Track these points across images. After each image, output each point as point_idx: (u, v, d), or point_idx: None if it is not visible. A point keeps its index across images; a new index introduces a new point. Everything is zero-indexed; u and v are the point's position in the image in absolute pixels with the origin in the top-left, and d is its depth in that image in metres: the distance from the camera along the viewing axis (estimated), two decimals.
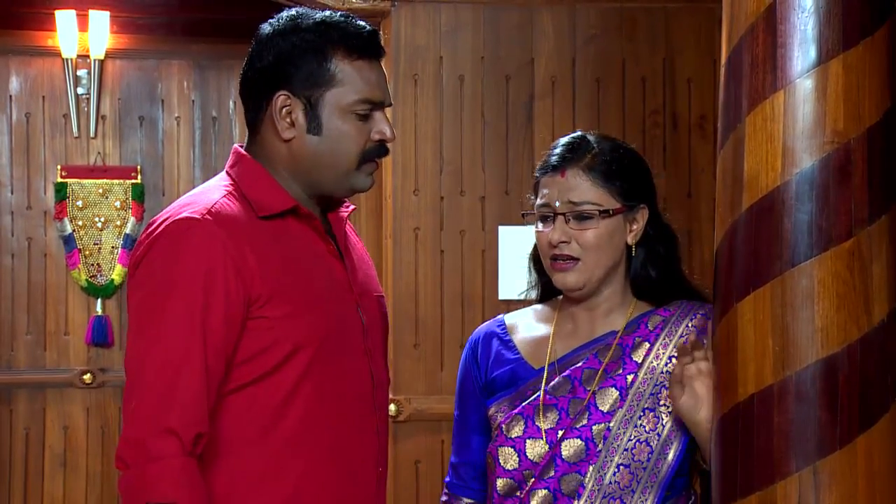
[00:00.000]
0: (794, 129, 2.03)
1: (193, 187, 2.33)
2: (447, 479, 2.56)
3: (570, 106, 4.77)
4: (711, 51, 4.77)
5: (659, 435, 2.32)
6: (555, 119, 4.73)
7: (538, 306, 2.52)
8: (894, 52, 2.07)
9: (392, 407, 4.59)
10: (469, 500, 2.51)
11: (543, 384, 2.38)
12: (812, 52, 2.03)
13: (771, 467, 2.03)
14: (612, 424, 2.33)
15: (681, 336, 2.37)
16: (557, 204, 2.36)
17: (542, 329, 2.47)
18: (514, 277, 4.64)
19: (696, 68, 4.82)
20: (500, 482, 2.38)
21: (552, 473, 2.34)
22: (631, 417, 2.33)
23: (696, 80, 4.83)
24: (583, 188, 2.36)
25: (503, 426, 2.39)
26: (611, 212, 2.36)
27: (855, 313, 2.01)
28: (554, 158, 2.40)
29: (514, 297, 4.59)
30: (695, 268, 4.79)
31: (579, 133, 2.46)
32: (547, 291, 2.51)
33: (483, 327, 2.54)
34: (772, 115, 2.05)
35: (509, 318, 2.52)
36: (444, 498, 2.55)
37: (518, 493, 2.37)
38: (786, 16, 2.04)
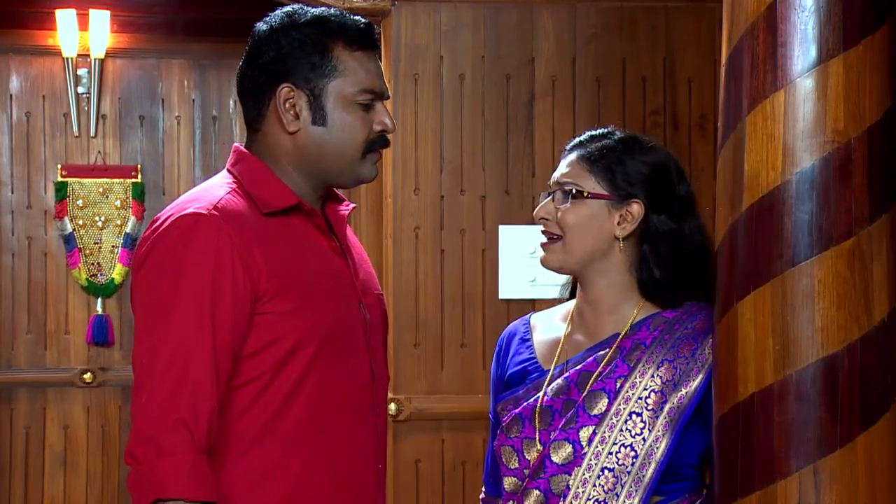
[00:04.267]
0: (794, 128, 2.03)
1: (194, 186, 2.33)
2: (484, 477, 2.57)
3: (571, 105, 4.77)
4: (711, 51, 4.76)
5: (644, 440, 2.30)
6: (555, 119, 4.73)
7: (564, 305, 2.52)
8: (894, 52, 2.07)
9: (392, 406, 4.58)
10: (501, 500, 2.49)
11: (545, 385, 2.39)
12: (812, 52, 2.03)
13: (771, 467, 2.03)
14: (598, 428, 2.32)
15: (677, 339, 2.34)
16: (551, 182, 2.40)
17: (559, 329, 2.47)
18: (514, 277, 4.64)
19: (696, 68, 4.82)
20: (506, 480, 2.40)
21: (543, 474, 2.34)
22: (617, 422, 2.31)
23: (697, 80, 4.82)
24: (570, 170, 2.38)
25: (504, 425, 2.40)
26: (586, 194, 2.35)
27: (855, 313, 2.01)
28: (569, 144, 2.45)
29: (515, 296, 4.62)
30: None
31: (610, 128, 2.45)
32: (574, 287, 2.51)
33: (511, 326, 2.56)
34: (772, 114, 2.05)
35: (534, 318, 2.53)
36: (482, 496, 2.57)
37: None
38: (786, 15, 2.04)
